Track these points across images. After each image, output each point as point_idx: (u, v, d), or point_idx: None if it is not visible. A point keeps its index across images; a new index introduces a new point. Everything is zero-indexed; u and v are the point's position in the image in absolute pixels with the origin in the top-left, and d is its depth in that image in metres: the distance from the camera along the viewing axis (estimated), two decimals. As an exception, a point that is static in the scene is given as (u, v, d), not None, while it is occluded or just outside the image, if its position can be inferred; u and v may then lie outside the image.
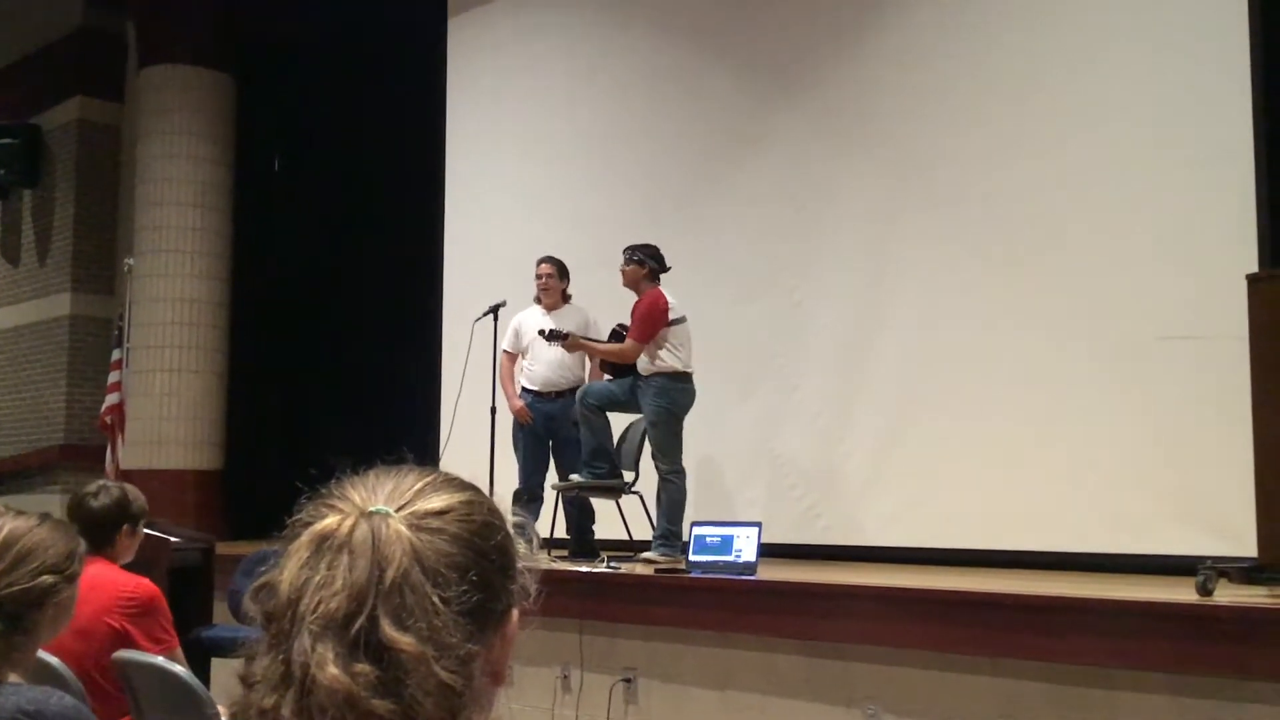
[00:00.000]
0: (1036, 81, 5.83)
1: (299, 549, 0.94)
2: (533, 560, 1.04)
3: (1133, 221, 5.46)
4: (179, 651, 3.34)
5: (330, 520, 0.94)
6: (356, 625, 0.88)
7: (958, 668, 4.27)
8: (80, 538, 2.28)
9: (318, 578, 0.91)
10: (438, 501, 0.96)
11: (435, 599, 0.91)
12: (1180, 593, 3.95)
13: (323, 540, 0.93)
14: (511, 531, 1.02)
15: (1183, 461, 5.19)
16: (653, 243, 6.06)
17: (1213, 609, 3.78)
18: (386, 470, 1.00)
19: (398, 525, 0.93)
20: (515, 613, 1.00)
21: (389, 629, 0.88)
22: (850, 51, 6.54)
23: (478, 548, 0.95)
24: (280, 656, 0.90)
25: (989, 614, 4.24)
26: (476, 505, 0.98)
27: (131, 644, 3.24)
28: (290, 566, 0.93)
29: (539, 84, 8.01)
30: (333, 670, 0.87)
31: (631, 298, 5.97)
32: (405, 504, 0.95)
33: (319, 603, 0.90)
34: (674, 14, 7.34)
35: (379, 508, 0.94)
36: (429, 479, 0.99)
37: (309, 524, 0.95)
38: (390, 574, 0.90)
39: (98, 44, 10.65)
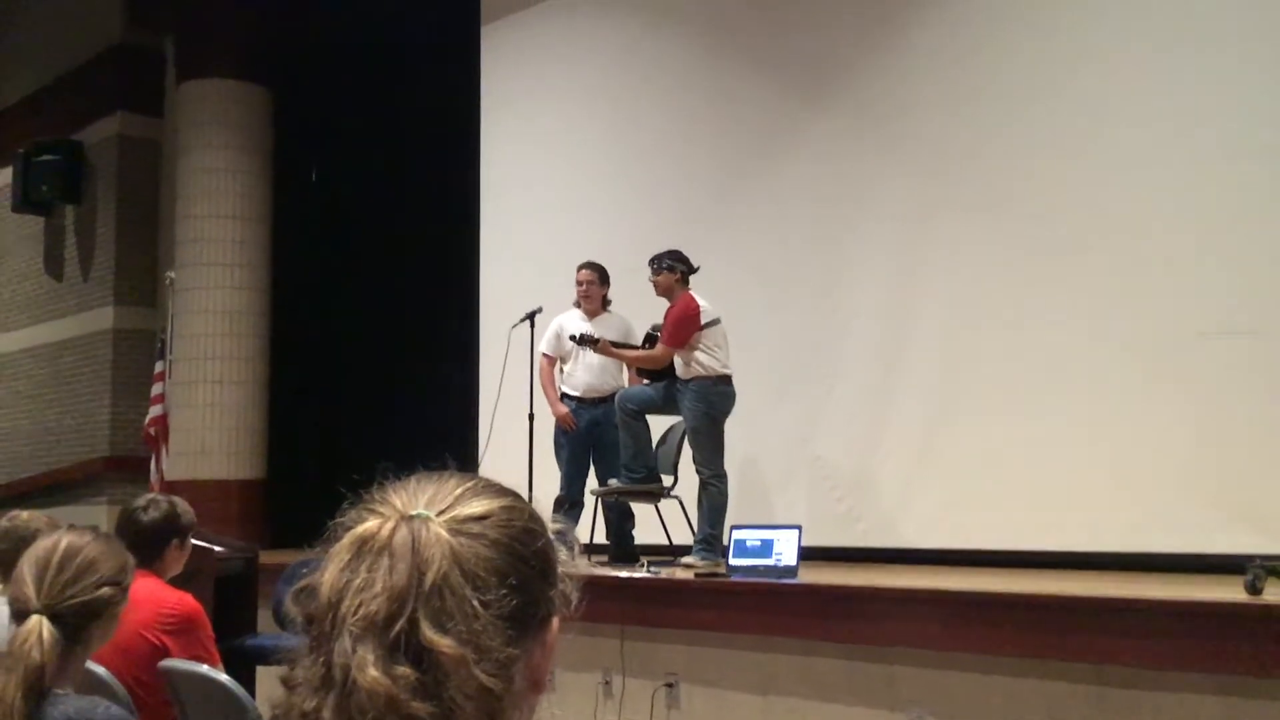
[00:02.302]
0: (1072, 77, 5.77)
1: (340, 552, 0.94)
2: (574, 568, 1.04)
3: (1172, 217, 5.40)
4: (220, 668, 3.34)
5: (371, 524, 0.95)
6: (397, 627, 0.89)
7: (1002, 670, 4.23)
8: (128, 551, 2.31)
9: (358, 580, 0.91)
10: (478, 506, 0.97)
11: (475, 602, 0.91)
12: (1229, 592, 3.89)
13: (363, 543, 0.94)
14: (552, 538, 1.02)
15: (1228, 458, 5.12)
16: (681, 246, 6.07)
17: (1262, 608, 3.73)
18: (428, 476, 1.01)
19: (438, 529, 0.93)
20: (556, 621, 1.00)
21: (429, 631, 0.89)
22: (882, 49, 6.51)
23: (518, 553, 0.96)
24: (321, 659, 0.91)
25: (1033, 615, 4.20)
26: (517, 511, 0.99)
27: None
28: (331, 569, 0.94)
29: (572, 89, 8.03)
30: (373, 672, 0.87)
31: (665, 302, 5.99)
32: (446, 509, 0.96)
33: (359, 605, 0.90)
34: (705, 16, 7.33)
35: (419, 512, 0.95)
36: (470, 484, 0.99)
37: (350, 528, 0.96)
38: (430, 577, 0.90)
39: (137, 60, 10.77)
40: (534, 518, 1.00)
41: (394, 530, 0.93)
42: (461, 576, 0.91)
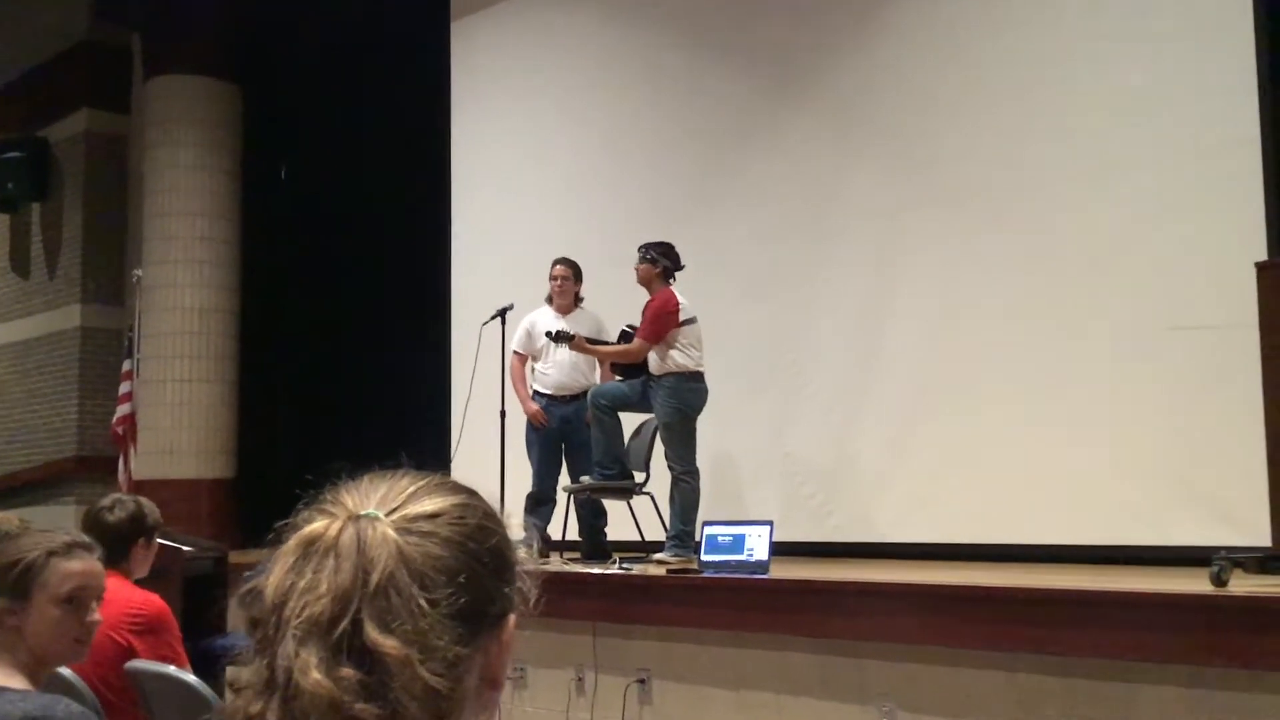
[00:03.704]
0: (1044, 75, 5.81)
1: (286, 553, 0.93)
2: (533, 565, 1.03)
3: (1141, 213, 5.44)
4: (187, 669, 3.32)
5: (318, 524, 0.94)
6: (340, 629, 0.88)
7: (973, 663, 4.25)
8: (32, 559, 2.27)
9: (303, 582, 0.90)
10: (430, 505, 0.96)
11: (421, 601, 0.90)
12: (1195, 584, 3.92)
13: (309, 544, 0.92)
14: (510, 535, 1.01)
15: (1195, 451, 5.16)
16: (653, 241, 6.05)
17: (1227, 600, 3.76)
18: (382, 475, 1.00)
19: (385, 528, 0.92)
20: (513, 618, 0.99)
21: (373, 632, 0.87)
22: (857, 47, 6.52)
23: (470, 550, 0.94)
24: (265, 662, 0.89)
25: (1003, 609, 4.22)
26: (471, 509, 0.97)
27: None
28: (276, 571, 0.92)
29: (544, 85, 8.01)
30: (316, 675, 0.86)
31: (642, 297, 5.97)
32: (396, 508, 0.95)
33: (303, 606, 0.89)
34: (680, 12, 7.33)
35: (369, 511, 0.94)
36: (423, 483, 0.98)
37: (299, 529, 0.95)
38: (375, 577, 0.89)
39: (104, 56, 10.69)
40: (489, 515, 0.99)
41: (341, 530, 0.92)
42: (408, 576, 0.90)
